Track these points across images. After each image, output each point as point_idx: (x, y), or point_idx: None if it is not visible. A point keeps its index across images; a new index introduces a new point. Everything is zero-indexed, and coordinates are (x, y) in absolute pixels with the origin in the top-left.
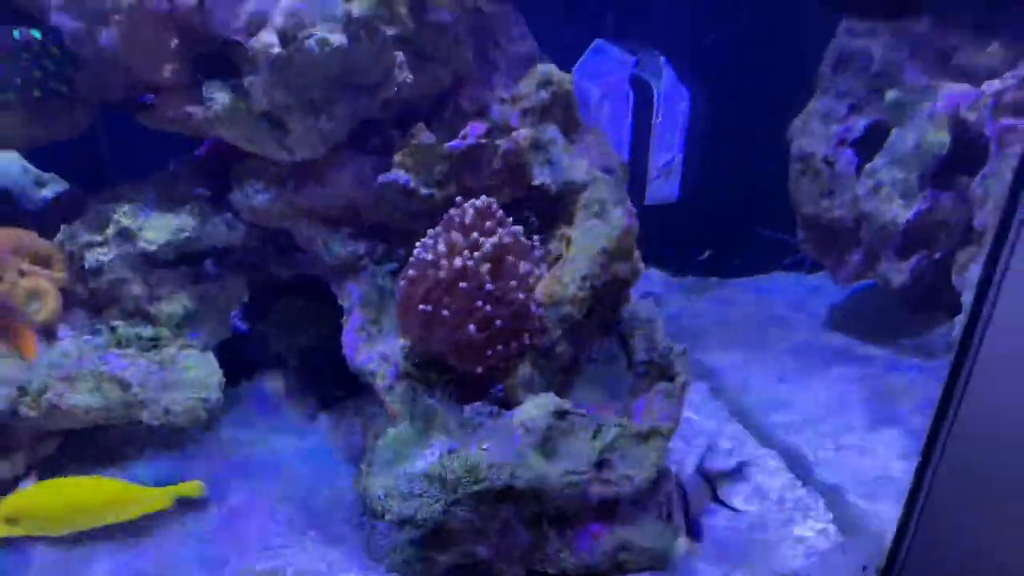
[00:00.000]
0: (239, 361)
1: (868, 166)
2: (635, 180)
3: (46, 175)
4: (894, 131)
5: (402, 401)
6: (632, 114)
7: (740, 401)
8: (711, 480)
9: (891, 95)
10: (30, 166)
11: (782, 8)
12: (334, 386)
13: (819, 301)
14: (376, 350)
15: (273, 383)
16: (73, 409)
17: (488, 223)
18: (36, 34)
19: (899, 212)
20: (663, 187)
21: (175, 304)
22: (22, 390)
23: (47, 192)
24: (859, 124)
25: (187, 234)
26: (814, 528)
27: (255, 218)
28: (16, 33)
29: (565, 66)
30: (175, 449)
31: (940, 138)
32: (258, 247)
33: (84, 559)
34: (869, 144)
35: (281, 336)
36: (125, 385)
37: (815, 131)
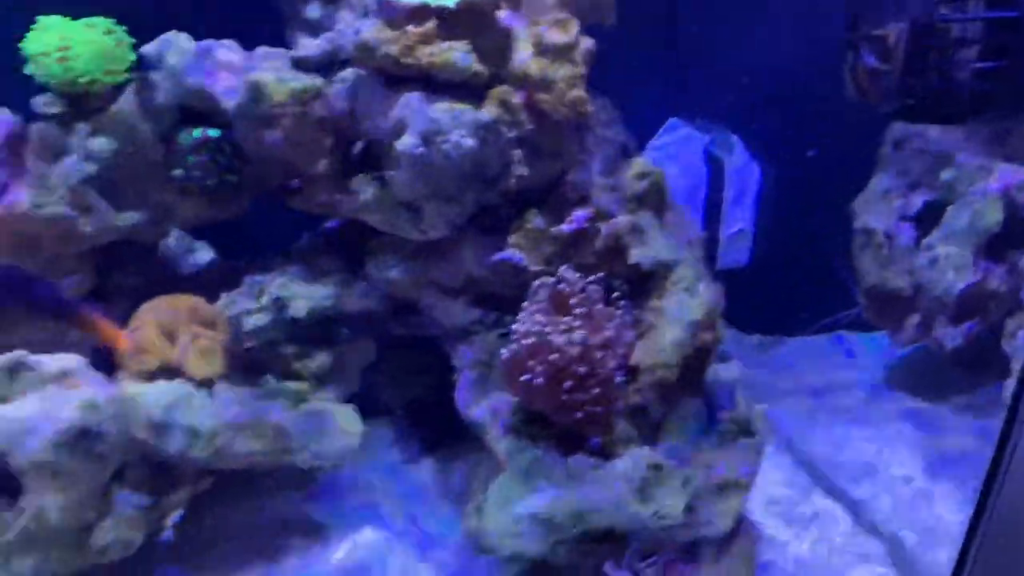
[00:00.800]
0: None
1: (925, 240)
2: (708, 248)
3: (197, 243)
4: (949, 208)
5: (510, 452)
6: (706, 188)
7: (805, 453)
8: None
9: (946, 175)
10: (184, 234)
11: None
12: (436, 433)
13: (876, 361)
14: (485, 405)
15: (381, 429)
16: (239, 453)
17: (582, 299)
18: (213, 133)
19: (953, 283)
20: (734, 254)
21: (317, 362)
22: (194, 433)
23: (196, 258)
24: (917, 201)
25: (329, 303)
26: (875, 573)
27: (387, 288)
28: (196, 133)
29: (640, 142)
30: (301, 485)
31: (993, 215)
32: (382, 311)
33: None
34: (926, 219)
35: (389, 387)
36: (283, 433)
37: (877, 207)
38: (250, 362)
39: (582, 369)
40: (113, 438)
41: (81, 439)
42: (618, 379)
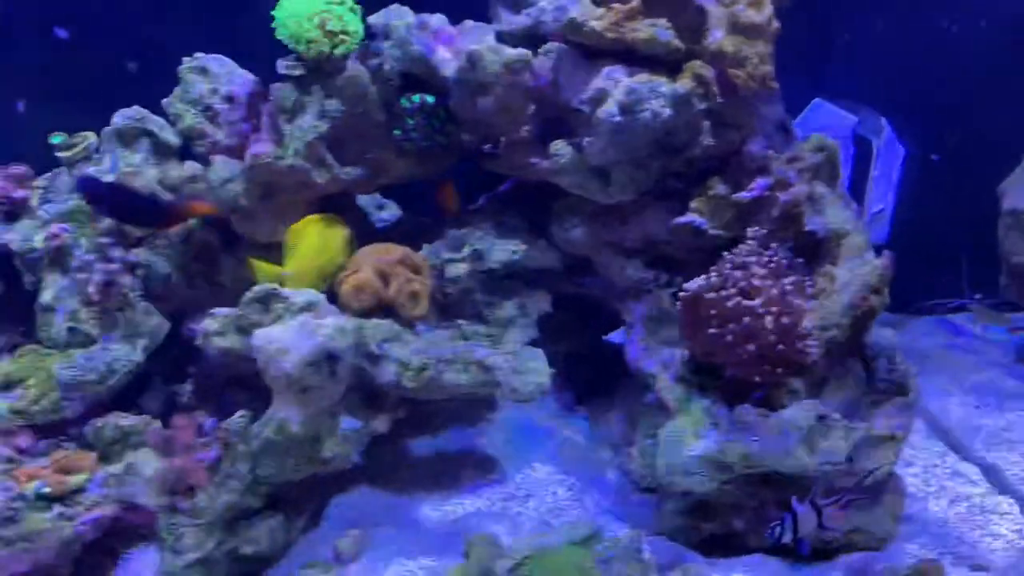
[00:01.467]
0: None
1: None
2: None
3: (385, 200)
4: None
5: (679, 399)
6: (851, 167)
7: (940, 422)
8: (819, 509)
9: None
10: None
11: (994, 76)
12: (589, 384)
13: (1013, 337)
14: (655, 358)
15: None
16: (447, 385)
17: (773, 264)
18: (430, 99)
19: None
20: (874, 231)
21: (504, 310)
22: (404, 365)
23: (385, 214)
24: None
25: (518, 257)
26: (1010, 528)
27: (568, 247)
28: (416, 98)
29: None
30: (470, 422)
31: None
32: (558, 267)
33: None
34: None
35: (545, 341)
36: (488, 368)
37: None
38: (446, 306)
39: (771, 330)
40: (348, 363)
41: (328, 361)
42: (799, 343)
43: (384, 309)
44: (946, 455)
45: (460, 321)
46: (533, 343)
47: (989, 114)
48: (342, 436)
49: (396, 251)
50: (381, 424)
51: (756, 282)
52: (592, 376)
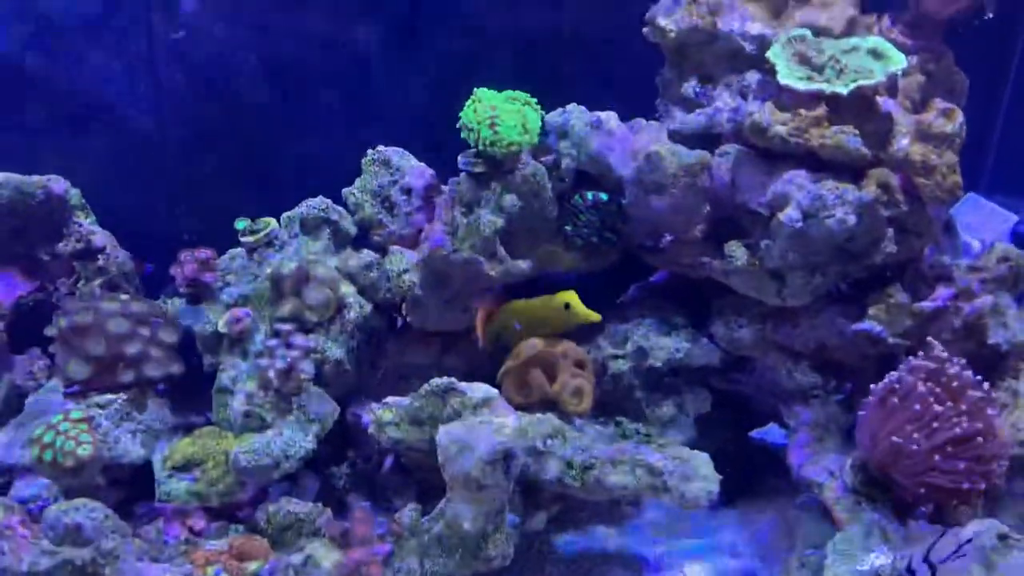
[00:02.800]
0: None
1: None
2: None
3: None
4: None
5: (848, 511)
6: None
7: None
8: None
9: None
10: None
11: None
12: (736, 485)
13: None
14: (822, 466)
15: None
16: (612, 486)
17: (963, 375)
18: (603, 197)
19: None
20: None
21: (664, 409)
22: (568, 464)
23: None
24: None
25: (681, 355)
26: None
27: (731, 346)
28: (590, 195)
29: None
30: (614, 522)
31: None
32: (718, 365)
33: None
34: None
35: (700, 436)
36: (656, 472)
37: None
38: (605, 402)
39: (955, 434)
40: (521, 461)
41: (505, 460)
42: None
43: (547, 403)
44: None
45: (620, 418)
46: (690, 441)
47: None
48: (506, 534)
49: (560, 345)
50: (538, 521)
51: (949, 391)
52: (741, 474)
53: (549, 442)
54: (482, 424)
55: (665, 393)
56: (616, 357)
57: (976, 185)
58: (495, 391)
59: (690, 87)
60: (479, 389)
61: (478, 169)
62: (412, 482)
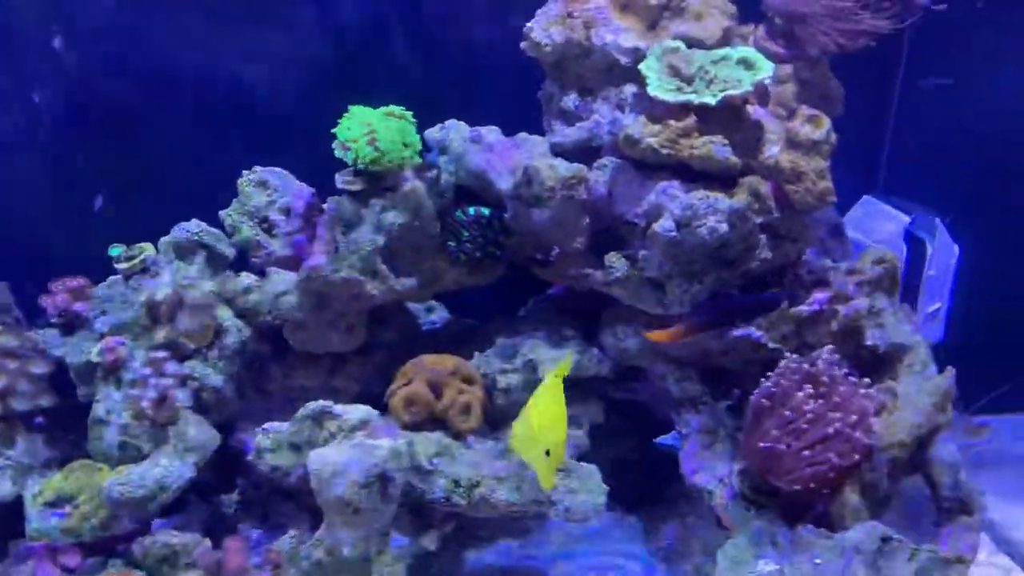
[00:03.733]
0: None
1: None
2: None
3: (434, 303)
4: None
5: (737, 517)
6: (904, 266)
7: (1007, 535)
8: None
9: None
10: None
11: None
12: (638, 493)
13: None
14: (712, 473)
15: None
16: (499, 503)
17: (836, 375)
18: (485, 211)
19: None
20: (929, 330)
21: None
22: (455, 482)
23: (433, 316)
24: None
25: (570, 368)
26: None
27: (620, 357)
28: (471, 211)
29: None
30: (518, 536)
31: None
32: (609, 375)
33: None
34: None
35: (598, 446)
36: (540, 487)
37: None
38: (496, 418)
39: (827, 433)
40: (400, 482)
41: (381, 482)
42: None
43: (435, 421)
44: (1012, 571)
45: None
46: (584, 453)
47: None
48: (392, 556)
49: (449, 361)
50: (430, 541)
51: (822, 390)
52: (643, 482)
53: (436, 461)
54: (355, 447)
55: None
56: (506, 371)
57: (872, 188)
58: (373, 412)
59: (570, 100)
60: (355, 411)
61: (356, 187)
62: (304, 507)
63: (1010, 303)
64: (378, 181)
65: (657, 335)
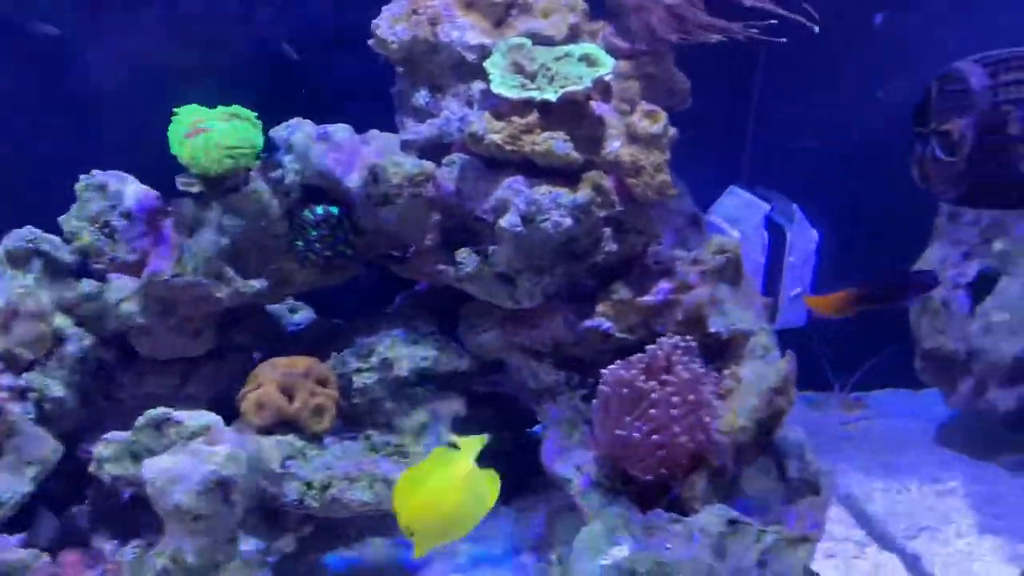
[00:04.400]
0: None
1: (979, 308)
2: (768, 309)
3: (298, 303)
4: (1003, 278)
5: (593, 505)
6: (767, 252)
7: (864, 508)
8: None
9: (999, 245)
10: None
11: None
12: (511, 484)
13: (929, 418)
14: (570, 461)
15: None
16: (352, 503)
17: (679, 361)
18: (333, 210)
19: (1006, 349)
20: (792, 315)
21: (415, 418)
22: (307, 484)
23: (298, 317)
24: (971, 270)
25: (428, 363)
26: None
27: (478, 351)
28: (319, 210)
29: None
30: (387, 533)
31: None
32: (470, 370)
33: None
34: (980, 287)
35: None
36: (392, 484)
37: None
38: (354, 417)
39: (679, 425)
40: (244, 487)
41: (221, 488)
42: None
43: (288, 424)
44: (867, 545)
45: (370, 432)
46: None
47: (899, 200)
48: (244, 561)
49: (301, 363)
50: (287, 544)
51: (666, 377)
52: (515, 473)
53: (288, 463)
54: (190, 454)
55: (415, 402)
56: (360, 371)
57: (737, 177)
58: (216, 418)
59: (421, 97)
60: (197, 417)
61: (195, 189)
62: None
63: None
64: (220, 182)
65: (817, 301)
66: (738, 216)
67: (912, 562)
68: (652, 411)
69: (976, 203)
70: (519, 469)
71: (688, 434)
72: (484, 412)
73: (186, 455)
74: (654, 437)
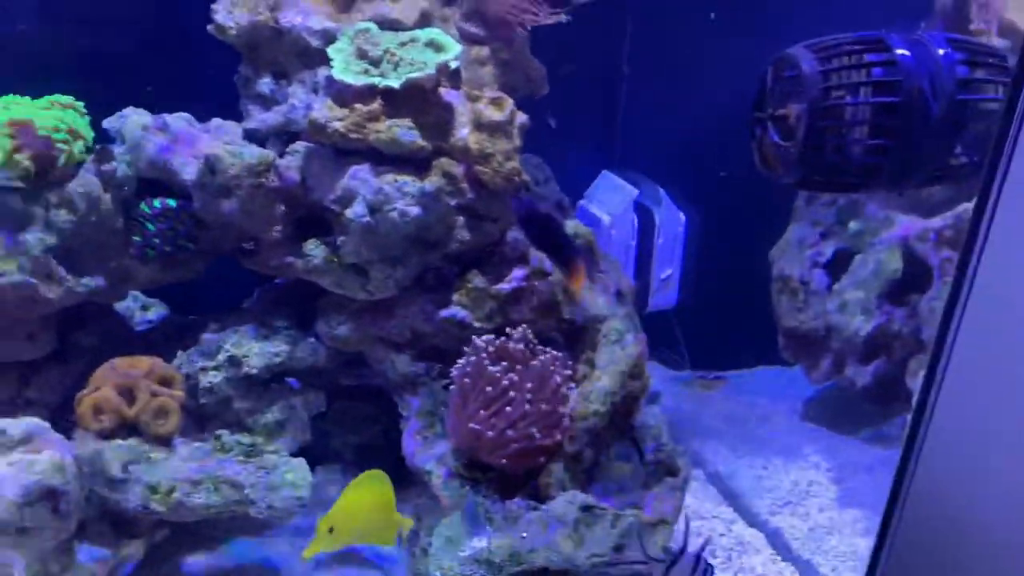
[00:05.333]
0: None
1: (836, 286)
2: (639, 291)
3: (151, 300)
4: (857, 257)
5: (453, 496)
6: (636, 235)
7: (730, 486)
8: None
9: (854, 225)
10: (138, 293)
11: None
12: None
13: (794, 394)
14: (431, 452)
15: (333, 475)
16: (197, 507)
17: (528, 348)
18: (172, 203)
19: (861, 326)
20: (663, 297)
21: (268, 416)
22: (152, 489)
23: (150, 315)
24: (828, 249)
25: (280, 359)
26: None
27: (336, 344)
28: (156, 203)
29: (576, 194)
30: (254, 533)
31: (894, 263)
32: (331, 364)
33: None
34: (837, 266)
35: (339, 434)
36: (238, 487)
37: (792, 255)
38: (204, 417)
39: (530, 415)
40: (75, 496)
41: (46, 499)
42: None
43: (130, 427)
44: (733, 522)
45: (220, 432)
46: (311, 444)
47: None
48: (86, 570)
49: (142, 363)
50: (134, 550)
51: (516, 365)
52: (388, 467)
53: (131, 468)
54: (10, 464)
55: (270, 400)
56: (207, 369)
57: (610, 163)
58: (43, 424)
59: (265, 84)
60: (20, 424)
61: (17, 184)
62: None
63: (731, 264)
64: (43, 177)
65: None
66: (609, 200)
67: (774, 538)
68: (505, 400)
69: (813, 187)
70: (390, 461)
71: (542, 423)
72: (356, 406)
73: (6, 465)
74: (508, 432)
